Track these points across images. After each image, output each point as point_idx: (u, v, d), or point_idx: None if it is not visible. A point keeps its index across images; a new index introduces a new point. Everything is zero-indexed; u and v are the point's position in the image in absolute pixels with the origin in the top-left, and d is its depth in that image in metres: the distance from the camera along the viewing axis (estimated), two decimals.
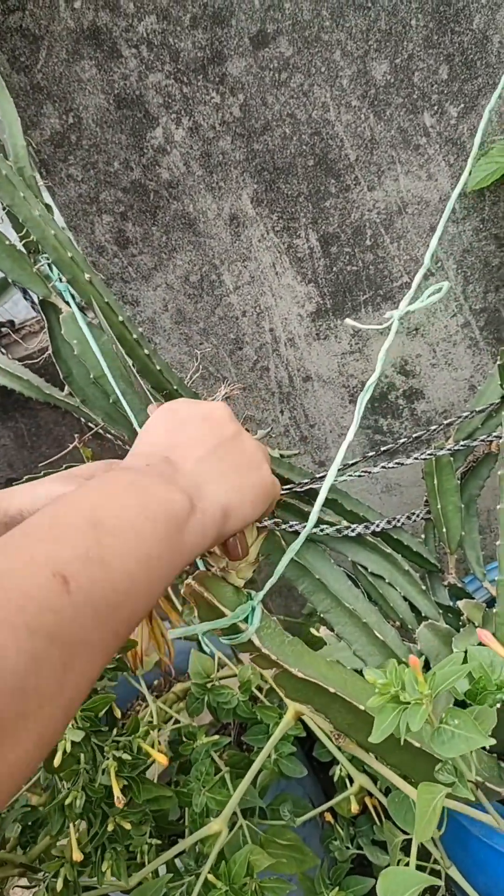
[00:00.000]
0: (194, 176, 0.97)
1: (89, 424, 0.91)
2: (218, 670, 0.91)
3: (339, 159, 0.96)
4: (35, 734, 0.31)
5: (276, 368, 1.13)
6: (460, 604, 0.89)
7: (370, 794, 0.83)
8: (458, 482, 0.98)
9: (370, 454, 0.98)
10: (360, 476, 0.94)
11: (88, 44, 0.88)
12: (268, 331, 1.09)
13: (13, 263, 0.76)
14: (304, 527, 0.71)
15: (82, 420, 0.94)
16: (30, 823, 0.71)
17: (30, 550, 0.35)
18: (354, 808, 0.85)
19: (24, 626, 0.32)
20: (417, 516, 0.98)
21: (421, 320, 1.08)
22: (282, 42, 0.89)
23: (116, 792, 0.59)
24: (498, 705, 0.63)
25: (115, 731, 0.68)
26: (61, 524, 0.38)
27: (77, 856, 0.62)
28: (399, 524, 0.94)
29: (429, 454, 0.93)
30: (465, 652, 0.85)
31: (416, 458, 0.92)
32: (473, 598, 1.01)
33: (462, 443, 0.94)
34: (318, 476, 0.90)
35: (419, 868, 0.89)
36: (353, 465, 0.97)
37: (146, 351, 0.75)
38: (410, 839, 0.73)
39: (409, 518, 0.95)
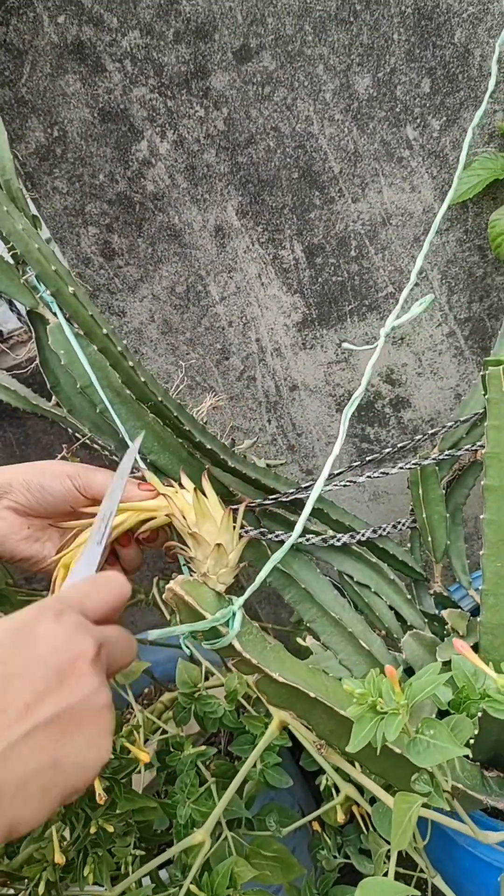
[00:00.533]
0: (179, 188, 0.98)
1: (76, 434, 0.91)
2: (205, 679, 0.91)
3: (323, 172, 0.97)
4: None
5: (263, 378, 1.14)
6: (445, 613, 0.89)
7: (357, 803, 0.83)
8: (444, 491, 0.98)
9: (356, 464, 0.98)
10: (345, 486, 0.94)
11: (72, 58, 0.89)
12: (254, 341, 1.10)
13: (1, 274, 0.76)
14: (290, 536, 0.71)
15: (70, 430, 0.94)
16: None
17: None
18: (341, 817, 0.85)
19: None
20: (403, 525, 0.98)
21: (407, 330, 1.09)
22: (265, 56, 0.90)
23: (98, 790, 0.59)
24: (480, 714, 0.64)
25: None
26: None
27: (59, 858, 0.62)
28: (385, 533, 0.94)
29: (413, 464, 0.93)
30: (445, 662, 0.85)
31: (401, 468, 0.93)
32: (459, 607, 1.02)
33: (447, 452, 0.94)
34: (303, 486, 0.90)
35: (404, 877, 0.89)
36: (338, 475, 0.97)
37: (130, 363, 0.76)
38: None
39: (394, 527, 0.96)
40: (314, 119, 0.93)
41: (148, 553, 0.72)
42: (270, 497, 0.88)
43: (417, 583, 1.01)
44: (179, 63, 0.90)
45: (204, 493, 0.64)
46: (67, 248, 1.02)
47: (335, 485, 0.94)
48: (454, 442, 0.97)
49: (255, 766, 0.76)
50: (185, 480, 0.67)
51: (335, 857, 0.98)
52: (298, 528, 0.68)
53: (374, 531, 0.93)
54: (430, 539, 0.98)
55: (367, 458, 0.99)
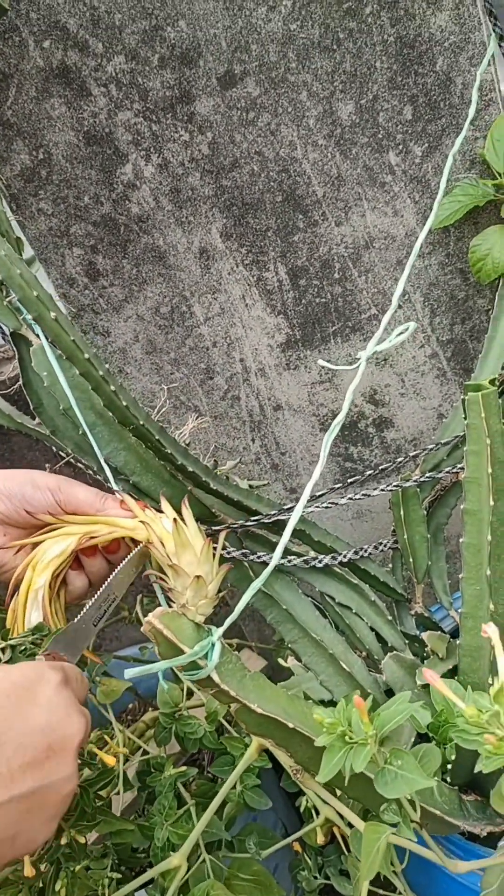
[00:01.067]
0: (164, 211, 0.98)
1: (61, 453, 0.92)
2: (187, 699, 0.91)
3: (306, 195, 0.98)
4: None
5: (247, 397, 1.14)
6: (424, 636, 0.90)
7: (337, 825, 0.83)
8: (425, 512, 0.99)
9: (338, 486, 0.99)
10: (327, 507, 0.95)
11: (58, 82, 0.90)
12: (238, 361, 1.11)
13: None
14: (272, 558, 0.72)
15: (54, 448, 0.94)
16: None
17: None
18: (321, 839, 0.86)
19: None
20: (385, 546, 0.99)
21: (390, 351, 1.10)
22: (249, 82, 0.91)
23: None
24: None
25: None
26: None
27: (29, 871, 0.62)
28: (366, 554, 0.95)
29: (395, 486, 0.94)
30: (424, 685, 0.86)
31: (382, 490, 0.94)
32: (440, 627, 1.03)
33: (428, 474, 0.95)
34: (285, 508, 0.91)
35: None
36: (321, 496, 0.98)
37: (112, 387, 0.76)
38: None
39: (376, 548, 0.97)
40: (298, 144, 0.95)
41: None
42: (253, 518, 0.89)
43: (399, 603, 1.02)
44: (164, 88, 0.91)
45: (184, 521, 0.64)
46: (52, 269, 1.03)
47: (317, 507, 0.94)
48: (435, 464, 0.98)
49: (234, 787, 0.76)
50: (164, 506, 0.67)
51: (315, 877, 0.98)
52: (278, 553, 0.68)
53: (356, 552, 0.93)
54: (411, 560, 0.99)
55: (350, 480, 1.00)
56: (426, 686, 0.85)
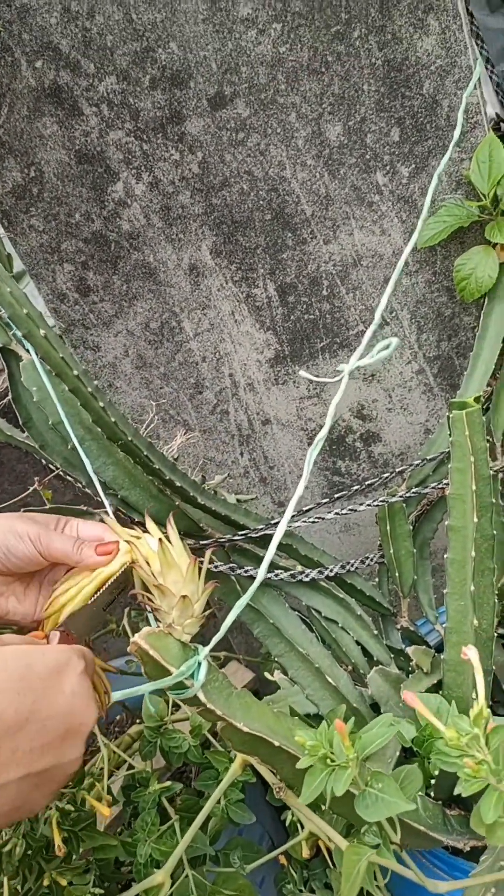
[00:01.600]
0: (154, 228, 1.00)
1: (50, 466, 0.92)
2: (172, 713, 0.92)
3: (295, 214, 0.99)
4: None
5: (236, 412, 1.15)
6: (409, 650, 0.90)
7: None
8: (411, 527, 1.00)
9: (325, 501, 1.00)
10: (314, 522, 0.96)
11: (50, 101, 0.91)
12: (227, 376, 1.12)
13: None
14: (259, 572, 0.72)
15: (44, 461, 0.95)
16: None
17: None
18: (306, 853, 0.86)
19: None
20: (371, 560, 1.00)
21: (377, 367, 1.11)
22: (239, 104, 0.92)
23: (57, 840, 0.59)
24: None
25: None
26: None
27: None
28: (353, 569, 0.96)
29: (381, 501, 0.95)
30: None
31: (368, 505, 0.94)
32: (426, 641, 1.03)
33: (414, 490, 0.96)
34: (272, 522, 0.91)
35: None
36: (308, 511, 0.99)
37: (101, 403, 0.77)
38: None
39: (362, 562, 0.97)
40: (287, 164, 0.96)
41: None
42: (240, 533, 0.89)
43: (385, 617, 1.03)
44: (155, 108, 0.92)
45: (169, 540, 0.65)
46: (43, 284, 1.03)
47: (304, 521, 0.95)
48: (422, 479, 0.99)
49: (219, 801, 0.77)
50: (149, 525, 0.68)
51: (301, 891, 0.98)
52: (264, 568, 0.69)
53: (343, 566, 0.94)
54: (397, 574, 0.99)
55: (337, 495, 1.01)
56: None
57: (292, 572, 0.92)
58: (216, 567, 0.89)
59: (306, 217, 0.99)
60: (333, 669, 0.91)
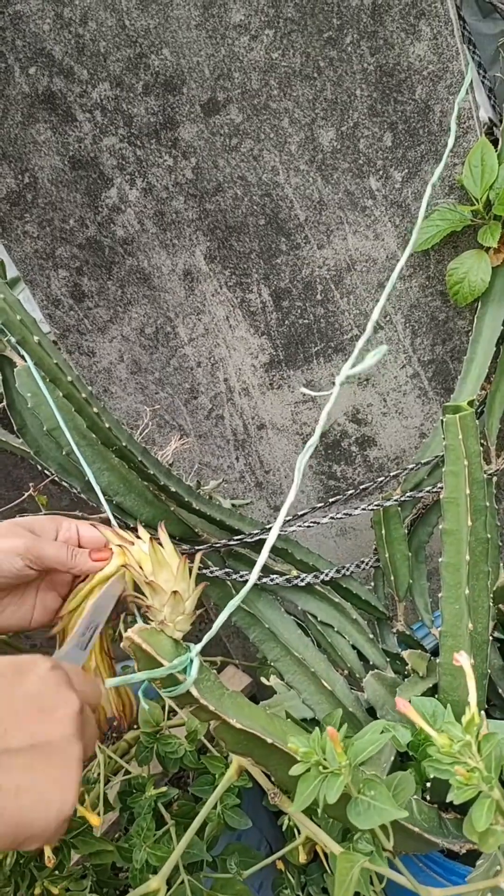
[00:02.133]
0: (149, 233, 1.00)
1: (46, 472, 0.93)
2: (169, 718, 0.92)
3: (289, 219, 0.99)
4: None
5: (231, 417, 1.15)
6: (405, 654, 0.91)
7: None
8: (407, 531, 1.00)
9: (320, 505, 1.00)
10: (309, 527, 0.96)
11: (43, 108, 0.91)
12: (222, 381, 1.12)
13: None
14: (251, 575, 0.72)
15: (40, 466, 0.95)
16: None
17: None
18: (303, 857, 0.86)
19: None
20: (367, 564, 1.00)
21: (372, 371, 1.11)
22: (232, 109, 0.92)
23: (47, 852, 0.59)
24: None
25: None
26: None
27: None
28: (348, 573, 0.96)
29: (377, 505, 0.95)
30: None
31: (363, 509, 0.95)
32: (422, 645, 1.03)
33: (408, 494, 0.96)
34: (267, 527, 0.91)
35: None
36: (302, 515, 0.99)
37: (95, 409, 0.77)
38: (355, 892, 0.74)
39: (358, 566, 0.98)
40: (280, 169, 0.96)
41: None
42: (235, 538, 0.90)
43: (381, 621, 1.03)
44: (149, 114, 0.93)
45: (160, 543, 0.65)
46: (37, 290, 1.04)
47: (299, 526, 0.95)
48: (416, 483, 0.99)
49: (215, 807, 0.77)
50: (141, 531, 0.68)
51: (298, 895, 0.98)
52: (256, 571, 0.69)
53: (338, 571, 0.94)
54: (393, 578, 1.00)
55: (331, 500, 1.01)
56: (409, 702, 0.86)
57: (288, 577, 0.92)
58: (211, 572, 0.89)
59: (300, 222, 1.00)
60: (329, 674, 0.91)
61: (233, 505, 1.02)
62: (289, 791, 0.67)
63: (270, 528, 0.91)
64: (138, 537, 0.67)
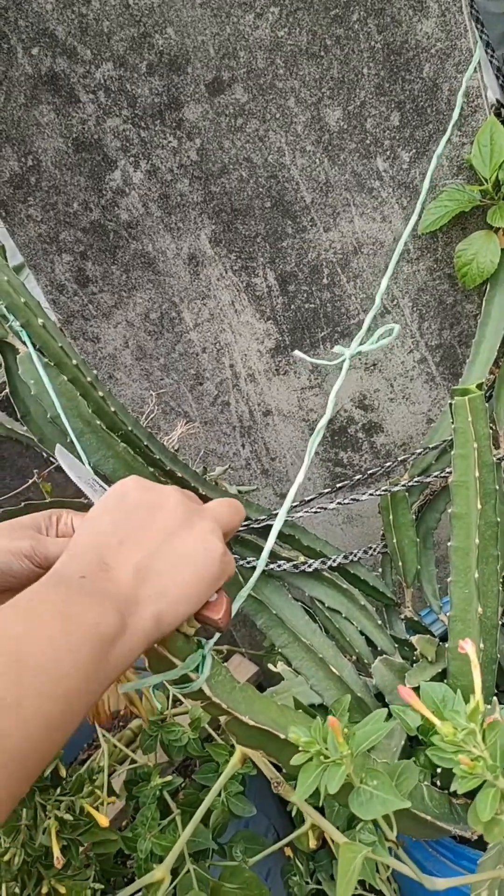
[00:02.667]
0: (153, 217, 0.99)
1: (51, 459, 0.92)
2: (172, 706, 0.91)
3: (295, 201, 0.98)
4: None
5: (237, 403, 1.14)
6: (414, 639, 0.90)
7: None
8: (414, 517, 0.99)
9: (327, 490, 0.99)
10: (316, 513, 0.95)
11: (46, 89, 0.90)
12: (228, 366, 1.11)
13: None
14: (259, 561, 0.71)
15: (45, 454, 0.94)
16: None
17: None
18: (312, 843, 0.85)
19: None
20: (374, 550, 0.99)
21: (378, 356, 1.10)
22: (237, 89, 0.91)
23: (56, 852, 0.59)
24: None
25: (59, 790, 0.67)
26: None
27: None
28: (356, 559, 0.95)
29: (384, 490, 0.94)
30: (414, 689, 0.85)
31: (370, 495, 0.94)
32: (430, 631, 1.03)
33: (416, 479, 0.95)
34: (274, 512, 0.91)
35: None
36: (309, 501, 0.98)
37: (100, 393, 0.76)
38: (361, 880, 0.73)
39: (365, 552, 0.97)
40: (286, 150, 0.95)
41: None
42: (242, 524, 0.89)
43: (388, 607, 1.02)
44: (153, 95, 0.91)
45: None
46: (41, 276, 1.03)
47: (306, 512, 0.95)
48: (424, 468, 0.98)
49: (220, 794, 0.76)
50: None
51: (307, 882, 0.97)
52: (264, 557, 0.68)
53: (345, 557, 0.94)
54: (400, 564, 0.99)
55: (338, 485, 1.00)
56: (418, 688, 0.85)
57: (295, 563, 0.91)
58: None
59: (306, 204, 0.98)
60: (337, 659, 0.90)
61: (239, 491, 1.01)
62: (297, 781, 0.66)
63: (277, 514, 0.91)
64: None
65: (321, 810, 0.82)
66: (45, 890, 0.59)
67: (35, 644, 0.38)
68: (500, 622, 0.77)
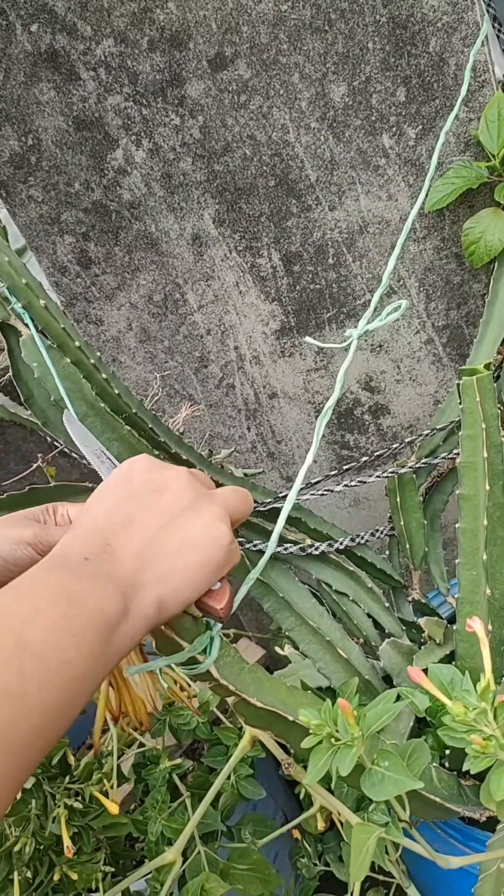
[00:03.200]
0: (156, 196, 0.97)
1: (55, 443, 0.91)
2: (181, 690, 0.91)
3: (299, 180, 0.97)
4: None
5: (242, 385, 1.14)
6: (421, 621, 0.89)
7: None
8: (422, 498, 0.98)
9: (333, 473, 0.98)
10: (322, 495, 0.94)
11: (46, 66, 0.89)
12: (233, 349, 1.10)
13: None
14: (268, 545, 0.71)
15: (49, 438, 0.94)
16: None
17: None
18: (321, 825, 0.85)
19: None
20: (382, 533, 0.99)
21: (385, 337, 1.09)
22: (240, 65, 0.90)
23: (66, 841, 0.58)
24: None
25: (67, 778, 0.67)
26: None
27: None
28: (363, 541, 0.94)
29: (391, 472, 0.93)
30: (423, 670, 0.85)
31: (378, 477, 0.93)
32: (437, 614, 1.02)
33: (424, 460, 0.95)
34: (280, 495, 0.90)
35: (384, 883, 0.89)
36: (316, 483, 0.97)
37: (104, 375, 0.76)
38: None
39: (373, 535, 0.96)
40: (290, 127, 0.93)
41: None
42: None
43: (396, 590, 1.02)
44: (154, 71, 0.90)
45: None
46: (43, 257, 1.02)
47: (312, 494, 0.94)
48: (431, 450, 0.97)
49: (229, 777, 0.76)
50: None
51: (315, 864, 0.98)
52: (273, 541, 0.68)
53: (352, 539, 0.93)
54: (408, 546, 0.98)
55: (345, 467, 0.99)
56: (426, 671, 0.85)
57: (301, 546, 0.91)
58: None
59: (311, 183, 0.97)
60: (345, 642, 0.90)
61: (245, 475, 1.00)
62: (307, 763, 0.66)
63: (284, 497, 0.90)
64: None
65: (330, 792, 0.82)
66: (57, 877, 0.59)
67: (38, 630, 0.37)
68: None
